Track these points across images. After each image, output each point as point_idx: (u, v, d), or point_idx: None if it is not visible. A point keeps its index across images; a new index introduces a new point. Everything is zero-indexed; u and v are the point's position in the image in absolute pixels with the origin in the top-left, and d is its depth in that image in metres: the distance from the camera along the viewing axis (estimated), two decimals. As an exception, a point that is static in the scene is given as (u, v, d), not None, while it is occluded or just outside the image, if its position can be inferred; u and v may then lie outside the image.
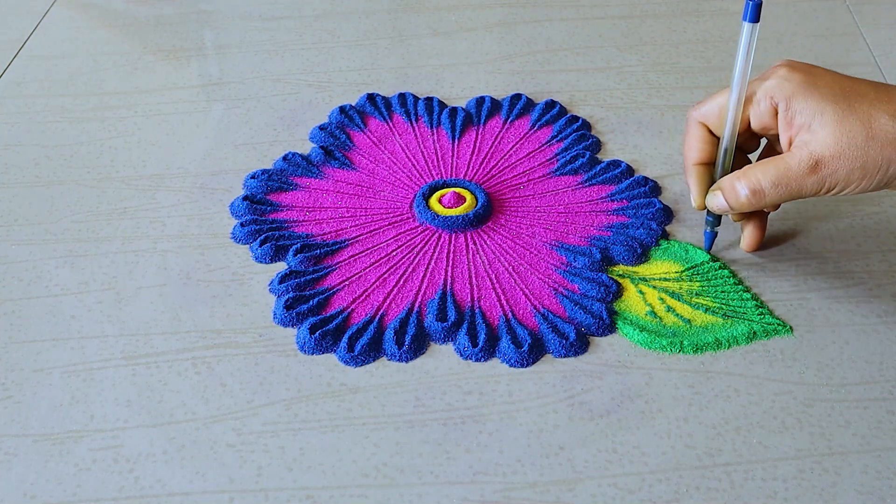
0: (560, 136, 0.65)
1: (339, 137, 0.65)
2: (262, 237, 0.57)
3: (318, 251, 0.56)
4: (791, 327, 0.52)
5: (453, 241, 0.57)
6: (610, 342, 0.51)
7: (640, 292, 0.54)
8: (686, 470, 0.45)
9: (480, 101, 0.68)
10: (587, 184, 0.61)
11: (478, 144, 0.65)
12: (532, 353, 0.50)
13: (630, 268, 0.55)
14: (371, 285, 0.54)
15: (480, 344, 0.50)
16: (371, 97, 0.69)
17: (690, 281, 0.54)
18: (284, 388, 0.49)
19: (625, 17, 0.79)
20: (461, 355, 0.51)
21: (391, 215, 0.59)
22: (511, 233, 0.57)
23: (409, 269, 0.55)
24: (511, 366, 0.50)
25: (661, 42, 0.76)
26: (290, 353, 0.51)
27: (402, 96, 0.69)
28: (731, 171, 0.50)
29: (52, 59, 0.76)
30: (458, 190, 0.59)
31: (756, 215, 0.54)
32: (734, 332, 0.51)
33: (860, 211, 0.59)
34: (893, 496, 0.44)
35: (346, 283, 0.54)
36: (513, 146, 0.64)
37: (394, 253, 0.56)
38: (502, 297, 0.53)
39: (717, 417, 0.47)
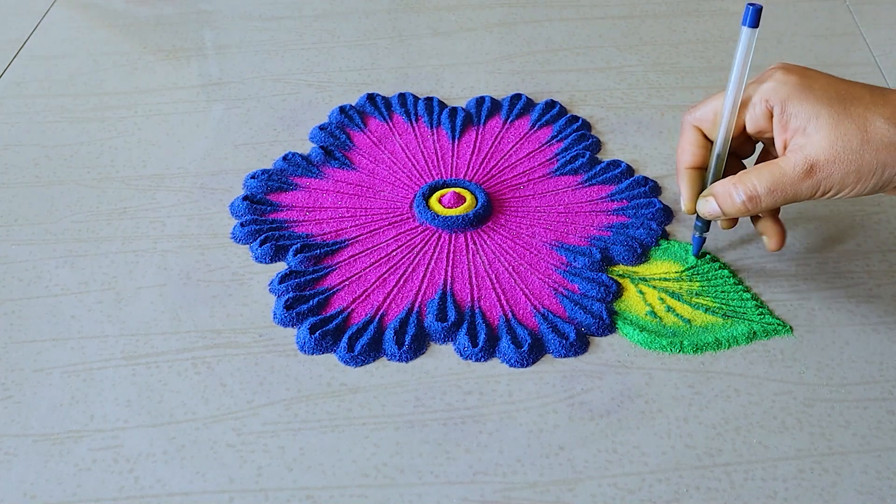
0: (560, 136, 0.65)
1: (339, 137, 0.65)
2: (262, 237, 0.57)
3: (318, 251, 0.56)
4: (791, 327, 0.52)
5: (453, 241, 0.57)
6: (610, 342, 0.51)
7: (640, 292, 0.54)
8: (686, 470, 0.45)
9: (480, 101, 0.68)
10: (587, 184, 0.61)
11: (478, 144, 0.65)
12: (532, 353, 0.50)
13: (630, 268, 0.55)
14: (371, 285, 0.54)
15: (480, 344, 0.50)
16: (371, 97, 0.69)
17: (690, 281, 0.54)
18: (284, 388, 0.49)
19: (625, 17, 0.79)
20: (461, 355, 0.51)
21: (391, 215, 0.59)
22: (511, 233, 0.57)
23: (409, 269, 0.55)
24: (511, 366, 0.50)
25: (661, 42, 0.76)
26: (290, 353, 0.51)
27: (402, 96, 0.69)
28: (724, 177, 0.50)
29: (52, 59, 0.76)
30: (458, 190, 0.59)
31: (769, 215, 0.53)
32: (734, 332, 0.51)
33: (860, 211, 0.59)
34: (893, 496, 0.44)
35: (346, 283, 0.54)
36: (513, 146, 0.64)
37: (394, 253, 0.56)
38: (502, 297, 0.53)
39: (717, 417, 0.47)
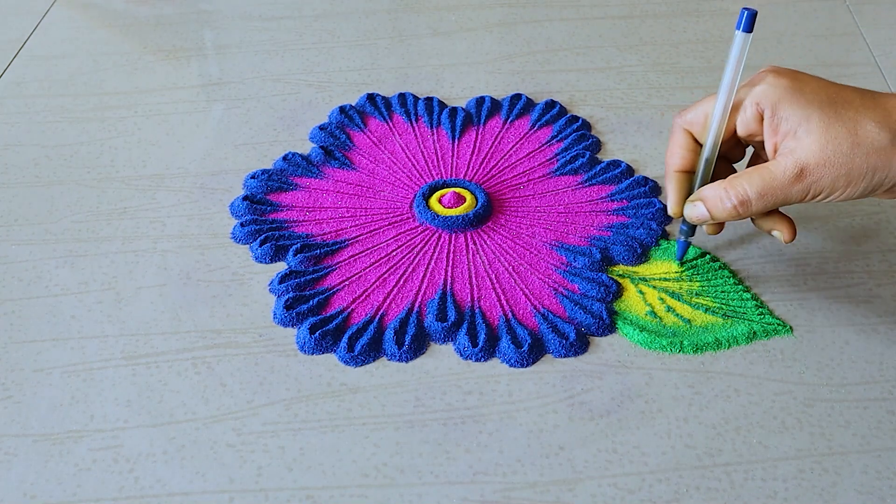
0: (560, 136, 0.65)
1: (339, 137, 0.65)
2: (262, 237, 0.57)
3: (318, 251, 0.56)
4: (791, 327, 0.52)
5: (453, 241, 0.57)
6: (610, 342, 0.51)
7: (640, 292, 0.54)
8: (686, 470, 0.45)
9: (480, 101, 0.68)
10: (587, 184, 0.61)
11: (478, 144, 0.65)
12: (532, 353, 0.50)
13: (630, 268, 0.55)
14: (371, 285, 0.54)
15: (480, 344, 0.50)
16: (371, 97, 0.69)
17: (690, 281, 0.54)
18: (284, 388, 0.49)
19: (625, 17, 0.79)
20: (461, 355, 0.51)
21: (391, 215, 0.59)
22: (511, 233, 0.57)
23: (409, 269, 0.55)
24: (511, 366, 0.50)
25: (661, 42, 0.76)
26: (290, 353, 0.51)
27: (402, 96, 0.69)
28: (712, 181, 0.49)
29: (52, 59, 0.76)
30: (458, 190, 0.59)
31: (772, 211, 0.52)
32: (734, 332, 0.51)
33: (860, 211, 0.59)
34: (893, 496, 0.44)
35: (346, 283, 0.54)
36: (513, 146, 0.64)
37: (394, 253, 0.56)
38: (502, 297, 0.53)
39: (717, 417, 0.47)
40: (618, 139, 0.66)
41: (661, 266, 0.55)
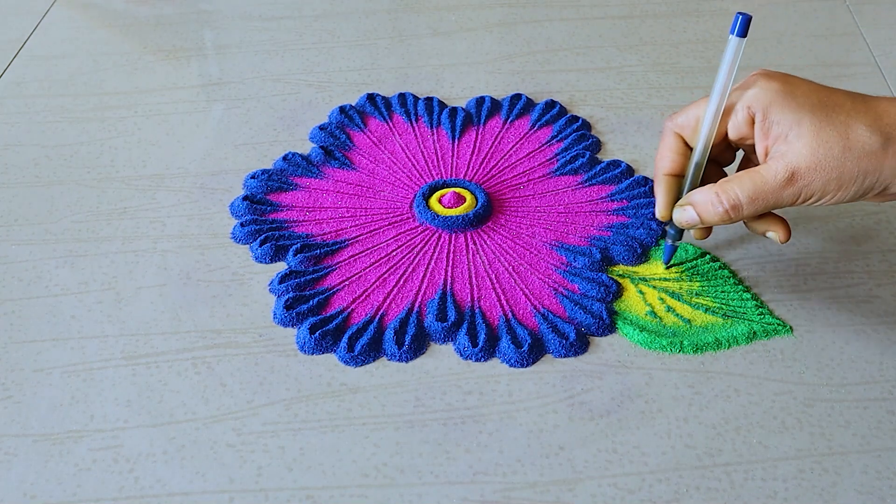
0: (560, 136, 0.65)
1: (339, 137, 0.65)
2: (262, 237, 0.57)
3: (318, 251, 0.56)
4: (791, 327, 0.52)
5: (453, 241, 0.57)
6: (610, 342, 0.51)
7: (640, 292, 0.54)
8: (686, 470, 0.45)
9: (480, 101, 0.68)
10: (587, 184, 0.61)
11: (478, 144, 0.65)
12: (532, 353, 0.50)
13: (630, 268, 0.55)
14: (371, 285, 0.54)
15: (480, 344, 0.50)
16: (371, 97, 0.69)
17: (690, 281, 0.54)
18: (284, 388, 0.49)
19: (625, 17, 0.79)
20: (461, 355, 0.51)
21: (391, 215, 0.59)
22: (511, 233, 0.57)
23: (409, 269, 0.55)
24: (511, 366, 0.50)
25: (661, 42, 0.76)
26: (290, 353, 0.51)
27: (402, 96, 0.69)
28: (702, 185, 0.49)
29: (52, 59, 0.76)
30: (458, 190, 0.59)
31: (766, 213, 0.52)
32: (734, 332, 0.51)
33: (860, 211, 0.59)
34: (893, 496, 0.44)
35: (346, 283, 0.54)
36: (513, 146, 0.64)
37: (394, 253, 0.56)
38: (502, 297, 0.53)
39: (717, 417, 0.47)
40: (618, 139, 0.66)
41: (661, 266, 0.55)
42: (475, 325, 0.52)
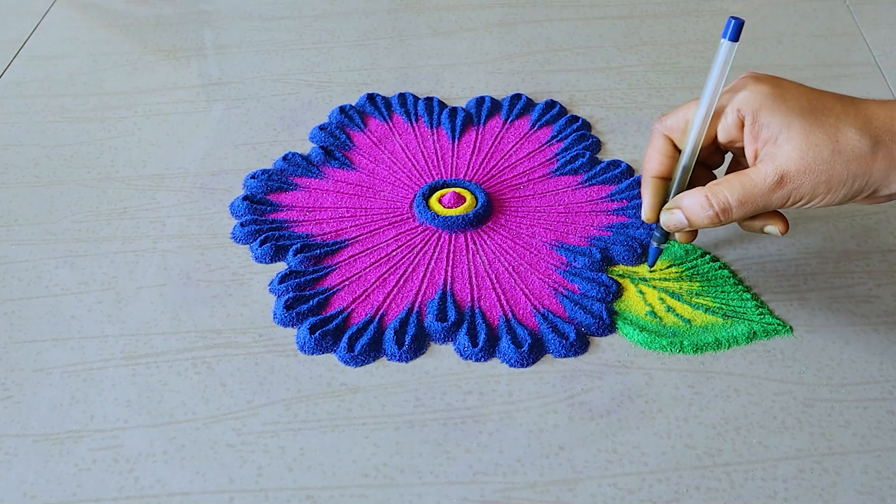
0: (560, 136, 0.65)
1: (339, 137, 0.65)
2: (262, 237, 0.57)
3: (318, 251, 0.56)
4: (791, 327, 0.52)
5: (453, 241, 0.57)
6: (610, 342, 0.51)
7: (640, 292, 0.54)
8: (686, 470, 0.45)
9: (480, 101, 0.68)
10: (587, 184, 0.61)
11: (478, 144, 0.65)
12: (532, 353, 0.50)
13: (630, 268, 0.55)
14: (371, 285, 0.54)
15: (480, 344, 0.50)
16: (371, 97, 0.69)
17: (690, 281, 0.54)
18: (284, 388, 0.49)
19: (625, 17, 0.79)
20: (461, 355, 0.51)
21: (391, 215, 0.59)
22: (511, 233, 0.57)
23: (409, 269, 0.55)
24: (511, 366, 0.50)
25: (661, 42, 0.76)
26: (290, 353, 0.51)
27: (402, 96, 0.69)
28: (689, 188, 0.49)
29: (52, 59, 0.76)
30: (458, 190, 0.59)
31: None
32: (734, 332, 0.51)
33: (860, 211, 0.59)
34: (893, 496, 0.44)
35: (346, 283, 0.54)
36: (513, 146, 0.64)
37: (394, 253, 0.56)
38: (502, 297, 0.53)
39: (717, 417, 0.47)
40: (618, 139, 0.66)
41: (662, 266, 0.55)
42: (475, 325, 0.52)
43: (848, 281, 0.55)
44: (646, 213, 0.51)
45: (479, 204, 0.58)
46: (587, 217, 0.59)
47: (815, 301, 0.53)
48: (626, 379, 0.49)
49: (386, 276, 0.55)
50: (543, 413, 0.48)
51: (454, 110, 0.67)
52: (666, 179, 0.50)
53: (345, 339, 0.51)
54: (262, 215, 0.59)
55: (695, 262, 0.55)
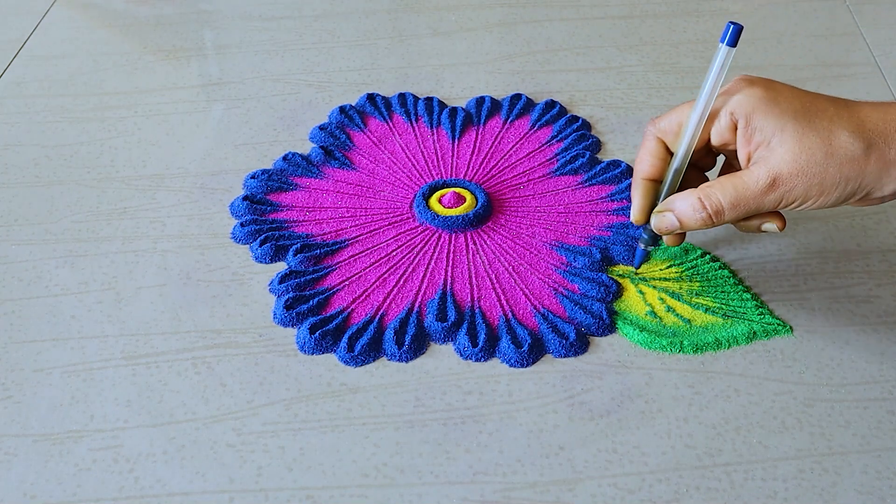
0: (560, 136, 0.65)
1: (339, 137, 0.65)
2: (262, 237, 0.57)
3: (318, 251, 0.56)
4: (791, 327, 0.52)
5: (453, 241, 0.57)
6: (610, 342, 0.51)
7: (640, 292, 0.54)
8: (686, 470, 0.45)
9: (480, 101, 0.68)
10: (587, 184, 0.61)
11: (478, 144, 0.65)
12: (532, 353, 0.50)
13: (630, 268, 0.55)
14: (371, 285, 0.54)
15: (480, 344, 0.50)
16: (371, 97, 0.69)
17: (690, 281, 0.54)
18: (284, 388, 0.49)
19: (625, 17, 0.79)
20: (461, 355, 0.51)
21: (391, 215, 0.59)
22: (511, 233, 0.57)
23: (409, 269, 0.55)
24: (511, 366, 0.50)
25: (661, 42, 0.76)
26: (290, 353, 0.51)
27: (402, 96, 0.69)
28: (679, 190, 0.49)
29: (52, 59, 0.76)
30: (458, 190, 0.59)
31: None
32: (734, 332, 0.51)
33: (860, 211, 0.59)
34: (893, 496, 0.44)
35: (346, 283, 0.54)
36: (513, 146, 0.64)
37: (394, 253, 0.56)
38: (502, 297, 0.53)
39: (717, 417, 0.47)
40: (618, 139, 0.66)
41: (661, 266, 0.55)
42: (475, 325, 0.52)
43: (848, 281, 0.55)
44: (635, 215, 0.50)
45: (479, 204, 0.58)
46: (587, 217, 0.59)
47: (815, 301, 0.53)
48: (626, 379, 0.49)
49: (386, 276, 0.55)
50: (543, 413, 0.48)
51: (454, 110, 0.67)
52: (657, 182, 0.50)
53: (345, 339, 0.51)
54: (262, 215, 0.59)
55: (695, 261, 0.55)
